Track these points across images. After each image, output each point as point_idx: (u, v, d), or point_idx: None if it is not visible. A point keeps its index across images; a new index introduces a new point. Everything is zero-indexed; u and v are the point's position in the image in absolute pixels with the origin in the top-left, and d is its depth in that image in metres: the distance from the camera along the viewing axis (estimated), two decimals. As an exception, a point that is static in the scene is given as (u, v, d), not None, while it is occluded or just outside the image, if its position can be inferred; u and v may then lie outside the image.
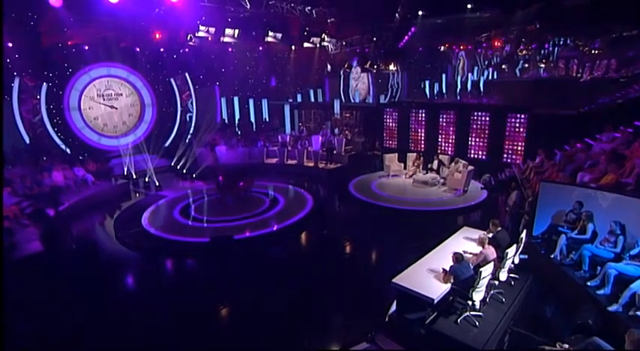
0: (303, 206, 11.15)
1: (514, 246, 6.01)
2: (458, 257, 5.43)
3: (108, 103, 17.94)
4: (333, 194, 13.62)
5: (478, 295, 5.26)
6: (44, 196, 11.36)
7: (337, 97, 21.70)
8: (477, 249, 6.19)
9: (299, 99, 23.73)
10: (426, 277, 5.62)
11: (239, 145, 17.67)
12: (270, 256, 8.60)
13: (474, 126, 14.56)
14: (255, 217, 10.39)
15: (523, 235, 6.57)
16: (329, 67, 23.28)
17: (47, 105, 15.71)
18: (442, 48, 26.17)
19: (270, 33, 18.48)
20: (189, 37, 16.65)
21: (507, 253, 5.72)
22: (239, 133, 19.87)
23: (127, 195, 13.26)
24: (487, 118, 14.23)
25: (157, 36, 16.64)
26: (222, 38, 17.34)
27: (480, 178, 12.50)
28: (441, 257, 6.03)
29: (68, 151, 15.39)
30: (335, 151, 16.56)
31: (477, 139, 14.52)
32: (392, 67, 20.44)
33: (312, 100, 24.14)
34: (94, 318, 6.34)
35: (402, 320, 5.42)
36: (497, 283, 5.88)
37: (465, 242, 6.77)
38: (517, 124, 13.32)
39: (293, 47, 21.08)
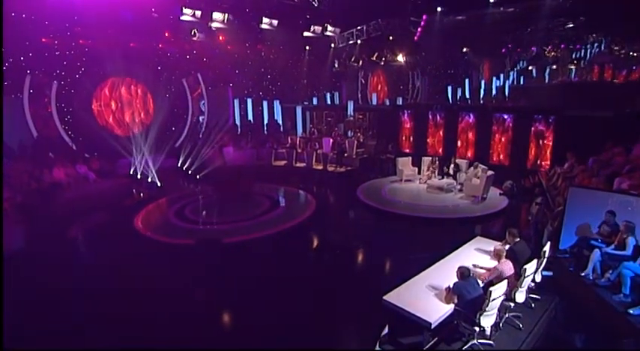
0: (304, 210, 10.37)
1: (535, 261, 5.01)
2: (463, 273, 4.50)
3: (119, 103, 17.83)
4: (340, 198, 12.83)
5: (488, 320, 4.30)
6: (41, 192, 11.06)
7: (353, 99, 20.93)
8: (491, 263, 5.24)
9: (315, 102, 23.14)
10: (425, 294, 4.71)
11: (247, 147, 17.13)
12: (256, 262, 7.78)
13: (496, 129, 13.47)
14: (249, 219, 9.67)
15: (547, 248, 5.53)
16: (336, 63, 22.26)
17: (58, 103, 15.68)
18: (464, 49, 24.92)
19: (265, 19, 17.45)
20: (193, 33, 16.25)
21: (526, 270, 4.74)
22: (248, 134, 19.28)
23: (127, 194, 12.78)
24: (510, 121, 13.11)
25: (166, 34, 16.39)
26: (210, 23, 16.45)
27: (501, 184, 11.40)
28: (446, 272, 5.09)
29: (74, 147, 15.18)
30: (346, 154, 15.78)
31: (499, 143, 13.40)
32: (400, 58, 19.25)
33: (329, 103, 23.51)
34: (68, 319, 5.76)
35: (394, 345, 4.53)
36: (512, 305, 4.87)
37: (476, 254, 5.80)
38: (544, 127, 12.15)
39: (307, 47, 20.52)
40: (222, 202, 10.67)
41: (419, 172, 13.30)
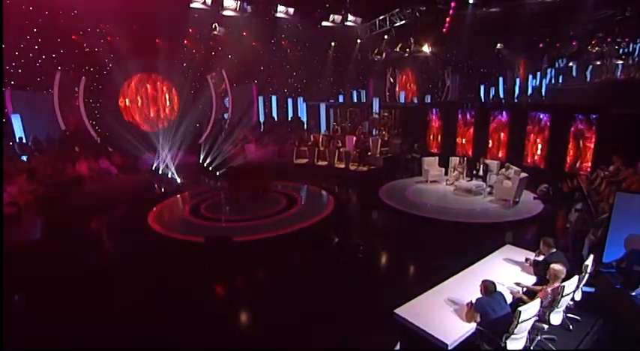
0: (321, 210, 9.93)
1: (575, 277, 4.35)
2: (488, 287, 3.92)
3: (145, 99, 18.03)
4: (361, 199, 12.32)
5: (515, 344, 3.70)
6: (62, 184, 11.20)
7: (380, 97, 20.26)
8: (521, 277, 4.62)
9: (341, 99, 22.67)
10: (444, 310, 4.16)
11: (269, 144, 16.87)
12: (264, 263, 7.38)
13: (531, 128, 12.53)
14: (263, 218, 9.32)
15: (589, 261, 4.82)
16: (359, 56, 21.46)
17: (86, 98, 15.99)
18: (498, 46, 23.65)
19: (281, 7, 16.80)
20: (213, 26, 16.09)
21: (564, 287, 4.08)
22: (271, 131, 19.02)
23: (146, 190, 12.76)
24: (547, 120, 12.15)
25: (190, 31, 16.39)
26: (221, 11, 15.85)
27: (535, 188, 10.54)
28: (469, 284, 4.51)
29: (99, 141, 15.41)
30: (369, 153, 15.21)
31: (534, 144, 12.46)
32: (426, 48, 18.16)
33: (355, 101, 22.98)
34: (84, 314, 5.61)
35: (407, 366, 4.02)
36: (546, 327, 4.23)
37: (504, 265, 5.17)
38: (585, 126, 11.14)
39: (333, 44, 20.06)
40: (238, 199, 10.38)
41: (446, 173, 12.59)
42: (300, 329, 5.17)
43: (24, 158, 12.47)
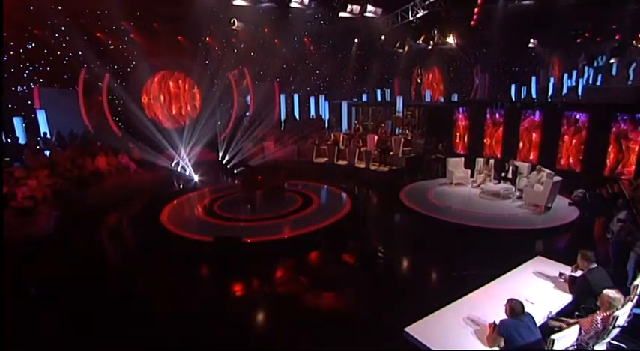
0: (337, 211, 9.49)
1: (629, 303, 3.72)
2: (515, 307, 3.40)
3: (167, 96, 18.14)
4: (380, 200, 11.83)
5: (546, 375, 3.19)
6: (81, 179, 11.26)
7: (404, 96, 19.62)
8: (554, 294, 4.05)
9: (364, 98, 22.16)
10: (462, 330, 3.66)
11: (289, 143, 16.59)
12: (272, 267, 7.01)
13: (566, 129, 11.66)
14: (275, 219, 8.97)
15: (639, 281, 4.15)
16: (382, 52, 20.66)
17: (110, 95, 16.21)
18: (531, 42, 22.46)
19: None
20: (232, 21, 15.91)
21: (617, 317, 3.43)
22: (291, 129, 18.74)
23: (163, 186, 12.68)
24: (585, 119, 11.26)
25: (212, 27, 16.32)
26: (232, 1, 15.41)
27: (570, 193, 9.74)
28: (494, 300, 3.99)
29: (122, 138, 15.55)
30: (391, 153, 14.66)
31: (569, 146, 11.59)
32: (450, 39, 17.07)
33: (379, 99, 22.43)
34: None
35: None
36: (585, 355, 3.66)
37: (534, 280, 4.59)
38: (628, 127, 10.23)
39: (356, 40, 19.57)
40: (252, 199, 10.11)
41: (472, 175, 11.90)
42: (300, 336, 4.80)
43: (47, 153, 12.68)
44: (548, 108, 12.73)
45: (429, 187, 11.72)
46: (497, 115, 13.58)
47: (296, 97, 21.16)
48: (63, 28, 14.86)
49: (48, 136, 13.54)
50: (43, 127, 13.73)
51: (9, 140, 12.95)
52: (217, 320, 5.33)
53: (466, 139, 14.67)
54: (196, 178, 13.54)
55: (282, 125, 19.75)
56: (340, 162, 15.23)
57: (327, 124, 19.87)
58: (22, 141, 13.15)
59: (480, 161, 11.82)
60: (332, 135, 16.78)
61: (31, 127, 13.99)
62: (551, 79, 25.32)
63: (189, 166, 14.68)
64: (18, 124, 13.26)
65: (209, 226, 8.65)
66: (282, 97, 20.95)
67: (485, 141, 13.92)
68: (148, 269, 6.95)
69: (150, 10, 15.46)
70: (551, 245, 7.70)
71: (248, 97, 20.04)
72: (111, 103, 16.28)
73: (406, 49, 19.00)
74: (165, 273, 6.76)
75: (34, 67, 14.61)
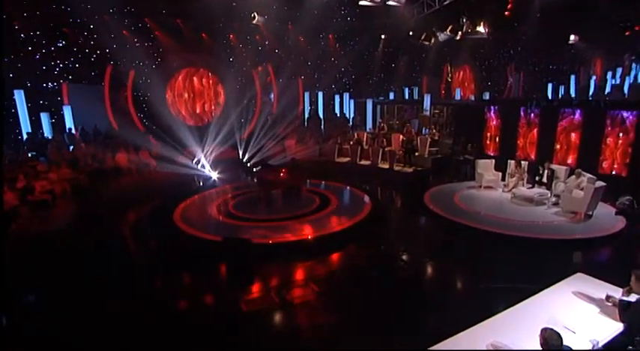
0: (355, 213, 8.99)
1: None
2: (550, 339, 2.82)
3: (191, 94, 18.18)
4: (403, 203, 11.26)
5: None
6: (101, 174, 11.32)
7: (432, 94, 18.81)
8: (600, 321, 3.42)
9: (391, 97, 21.51)
10: (487, 359, 3.12)
11: (311, 141, 16.20)
12: (281, 270, 6.60)
13: (610, 130, 10.67)
14: (290, 220, 8.55)
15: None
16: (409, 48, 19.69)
17: (135, 92, 16.37)
18: (572, 38, 21.03)
19: None
20: (252, 16, 15.64)
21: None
22: (313, 128, 18.35)
23: (181, 184, 12.56)
24: (633, 119, 10.24)
25: (235, 25, 16.18)
26: None
27: (615, 200, 8.83)
28: (525, 324, 3.41)
29: (144, 134, 15.64)
30: (417, 153, 14.00)
31: (614, 148, 10.60)
32: (481, 28, 15.76)
33: (406, 98, 21.73)
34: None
35: None
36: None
37: (575, 302, 3.94)
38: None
39: (383, 36, 18.92)
40: (268, 198, 9.78)
41: (503, 179, 11.11)
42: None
43: (71, 148, 12.87)
44: (590, 107, 11.72)
45: (456, 190, 11.02)
46: (532, 115, 12.67)
47: (320, 95, 20.77)
48: (92, 26, 15.13)
49: (72, 131, 13.74)
50: (69, 123, 13.95)
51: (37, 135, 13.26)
52: (207, 329, 4.98)
53: (497, 139, 13.81)
54: (215, 176, 13.37)
55: (306, 124, 19.40)
56: (363, 162, 14.71)
57: (351, 123, 19.35)
58: (49, 136, 13.41)
59: (512, 163, 11.01)
60: (355, 134, 16.26)
61: (60, 122, 14.30)
62: (593, 78, 23.71)
63: (209, 163, 14.57)
64: (45, 119, 13.52)
65: (221, 226, 8.36)
66: (307, 95, 20.63)
67: (518, 142, 13.03)
68: (150, 268, 6.73)
69: (172, 6, 15.47)
70: (594, 259, 6.92)
71: (272, 95, 19.82)
72: (135, 99, 16.45)
73: (433, 41, 17.82)
74: (168, 273, 6.50)
75: (64, 64, 14.93)
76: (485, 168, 11.39)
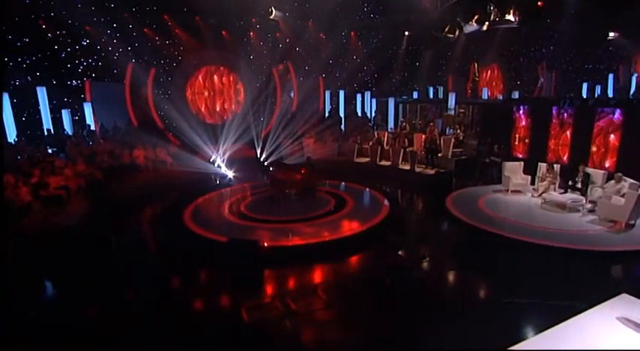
0: (371, 216, 8.52)
1: None
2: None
3: (211, 92, 18.11)
4: (423, 206, 10.71)
5: None
6: (117, 171, 11.28)
7: (459, 93, 18.03)
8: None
9: (415, 96, 20.84)
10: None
11: (329, 140, 15.79)
12: (293, 276, 6.22)
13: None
14: (300, 222, 8.16)
15: None
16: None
17: (156, 90, 16.45)
18: (611, 35, 19.73)
19: None
20: (270, 10, 15.35)
21: None
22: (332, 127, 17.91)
23: (198, 182, 12.40)
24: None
25: (254, 20, 15.97)
26: None
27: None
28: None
29: (164, 131, 15.66)
30: (440, 154, 13.36)
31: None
32: (510, 16, 14.56)
33: (431, 97, 21.02)
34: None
35: None
36: None
37: (621, 331, 3.37)
38: None
39: (406, 33, 18.28)
40: (280, 199, 9.44)
41: (532, 182, 10.37)
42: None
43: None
44: (631, 106, 10.79)
45: (481, 194, 10.36)
46: (565, 115, 11.81)
47: (342, 93, 20.32)
48: (115, 25, 15.27)
49: (92, 128, 13.85)
50: (89, 120, 14.08)
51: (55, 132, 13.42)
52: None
53: (527, 140, 12.98)
54: (231, 174, 13.16)
55: (325, 122, 19.01)
56: (383, 162, 14.18)
57: (372, 122, 18.83)
58: (69, 133, 13.57)
59: (542, 166, 10.25)
60: (376, 133, 15.74)
61: (81, 119, 14.48)
62: (634, 76, 22.22)
63: (226, 162, 14.40)
64: (66, 116, 13.68)
65: (229, 226, 8.07)
66: (327, 93, 20.23)
67: (549, 143, 12.19)
68: (150, 269, 6.50)
69: (193, 3, 15.41)
70: (637, 275, 6.19)
71: (292, 93, 19.53)
72: (156, 97, 16.50)
73: (457, 33, 16.76)
74: (167, 274, 6.26)
75: (87, 62, 15.13)
76: (513, 171, 10.67)
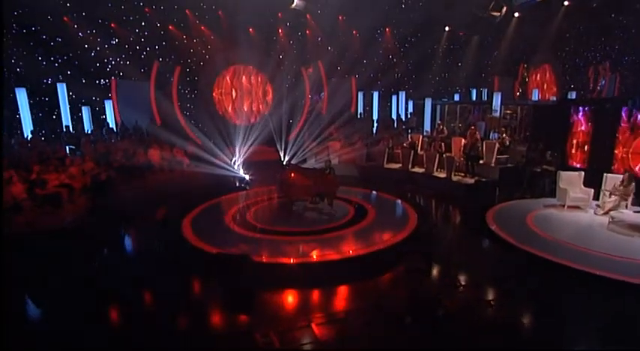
0: (395, 231, 7.25)
1: None
2: None
3: (239, 92, 17.56)
4: (458, 221, 9.23)
5: None
6: (129, 170, 10.75)
7: (505, 94, 16.23)
8: None
9: (456, 98, 19.21)
10: None
11: (359, 143, 14.58)
12: (290, 294, 5.10)
13: None
14: (305, 236, 7.05)
15: None
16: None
17: (182, 89, 16.10)
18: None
19: None
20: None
21: None
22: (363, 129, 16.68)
23: (209, 185, 11.61)
24: None
25: (280, 15, 15.19)
26: None
27: None
28: None
29: (189, 131, 15.19)
30: (481, 161, 11.76)
31: None
32: None
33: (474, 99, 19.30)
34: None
35: None
36: None
37: None
38: None
39: (447, 28, 16.74)
40: (291, 206, 8.39)
41: (596, 197, 8.60)
42: None
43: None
44: None
45: (530, 209, 8.73)
46: (638, 117, 9.91)
47: (376, 94, 19.08)
48: (143, 23, 15.10)
49: (111, 126, 13.58)
50: (109, 118, 13.85)
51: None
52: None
53: (586, 147, 11.13)
54: (247, 177, 12.33)
55: (355, 124, 17.85)
56: (416, 169, 12.76)
57: (405, 125, 17.43)
58: (88, 130, 13.38)
59: (609, 178, 8.48)
60: (409, 137, 14.34)
61: (102, 117, 14.31)
62: None
63: (247, 164, 13.62)
64: (86, 113, 13.50)
65: (230, 236, 7.11)
66: (360, 94, 19.07)
67: (616, 151, 10.31)
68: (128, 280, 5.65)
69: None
70: None
71: (322, 94, 18.57)
72: (181, 96, 16.14)
73: (504, 10, 14.73)
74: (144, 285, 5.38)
75: (115, 61, 15.02)
76: (571, 182, 8.96)
